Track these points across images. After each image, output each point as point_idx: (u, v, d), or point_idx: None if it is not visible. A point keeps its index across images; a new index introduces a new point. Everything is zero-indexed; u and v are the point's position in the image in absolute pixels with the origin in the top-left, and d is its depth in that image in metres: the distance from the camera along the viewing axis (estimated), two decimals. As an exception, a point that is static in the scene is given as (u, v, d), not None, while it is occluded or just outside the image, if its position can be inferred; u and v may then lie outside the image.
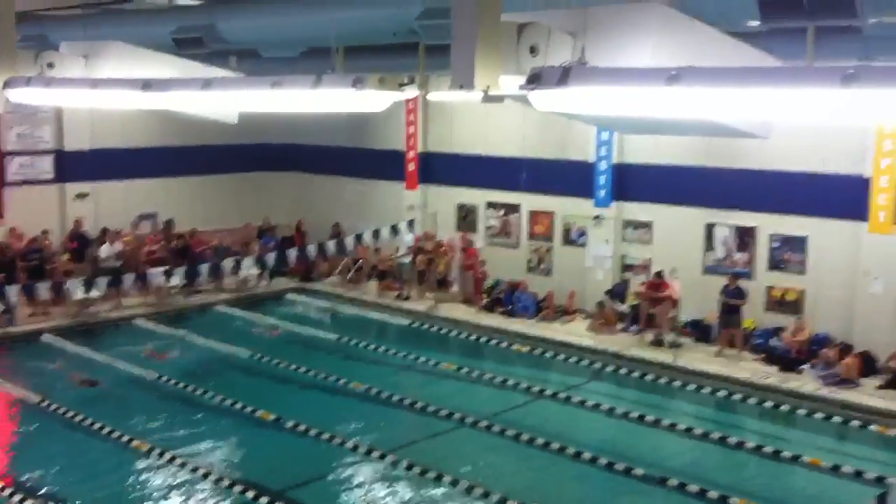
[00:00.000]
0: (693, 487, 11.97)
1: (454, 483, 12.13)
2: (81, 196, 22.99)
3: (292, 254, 21.99)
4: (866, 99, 6.87)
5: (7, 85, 13.90)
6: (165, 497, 11.91)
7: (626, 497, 12.21)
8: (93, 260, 21.08)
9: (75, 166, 22.98)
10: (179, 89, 13.14)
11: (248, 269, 21.75)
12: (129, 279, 19.96)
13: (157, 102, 14.23)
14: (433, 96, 18.50)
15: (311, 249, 21.93)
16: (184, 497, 11.91)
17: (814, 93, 7.15)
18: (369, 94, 10.60)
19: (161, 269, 20.71)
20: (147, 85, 13.38)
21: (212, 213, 24.72)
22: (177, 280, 20.76)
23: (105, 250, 20.82)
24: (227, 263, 20.88)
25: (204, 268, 20.30)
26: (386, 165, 24.35)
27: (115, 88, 14.03)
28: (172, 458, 12.90)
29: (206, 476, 12.40)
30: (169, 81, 13.43)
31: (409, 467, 12.69)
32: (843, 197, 16.75)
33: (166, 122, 23.15)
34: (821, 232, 17.17)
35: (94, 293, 19.65)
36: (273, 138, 26.11)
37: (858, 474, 12.34)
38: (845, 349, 16.35)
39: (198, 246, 22.98)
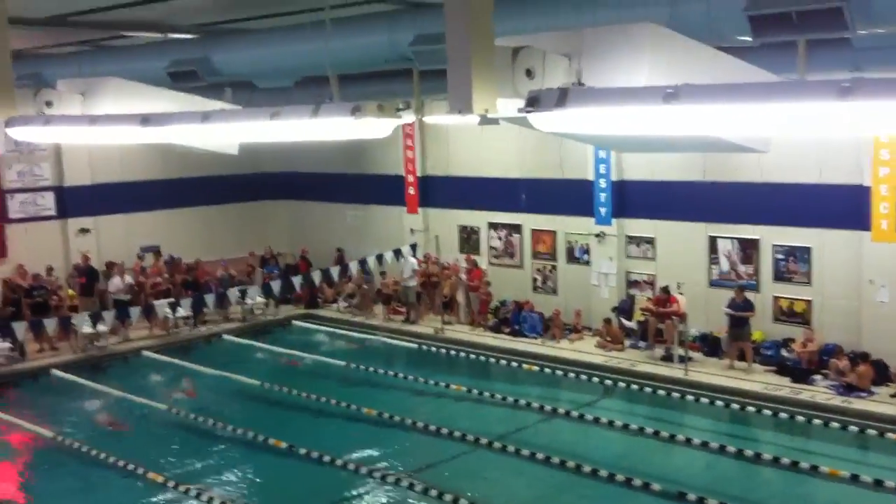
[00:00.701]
0: (712, 502, 11.90)
1: (471, 505, 12.11)
2: (84, 231, 23.09)
3: (297, 281, 22.02)
4: (863, 111, 6.92)
5: (8, 124, 13.96)
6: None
7: (643, 513, 12.15)
8: (101, 294, 21.10)
9: (76, 202, 23.15)
10: (178, 123, 13.21)
11: (254, 297, 21.79)
12: (135, 312, 19.99)
13: (158, 136, 14.33)
14: (430, 120, 18.59)
15: (316, 276, 21.98)
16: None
17: (811, 107, 7.19)
18: (368, 121, 10.66)
19: (167, 300, 20.73)
20: (146, 119, 13.45)
21: (214, 244, 24.79)
22: (183, 311, 20.79)
23: (115, 284, 20.84)
24: (233, 293, 20.92)
25: (210, 298, 20.32)
26: (386, 190, 24.43)
27: (114, 124, 14.13)
28: (187, 490, 12.89)
29: (220, 508, 12.38)
30: (167, 115, 13.49)
31: (425, 491, 12.65)
32: (845, 207, 16.76)
33: (165, 154, 23.33)
34: (824, 242, 17.18)
35: (102, 327, 19.68)
36: (272, 167, 26.26)
37: (878, 483, 12.28)
38: (856, 358, 16.29)
39: (202, 276, 23.03)
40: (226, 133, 14.45)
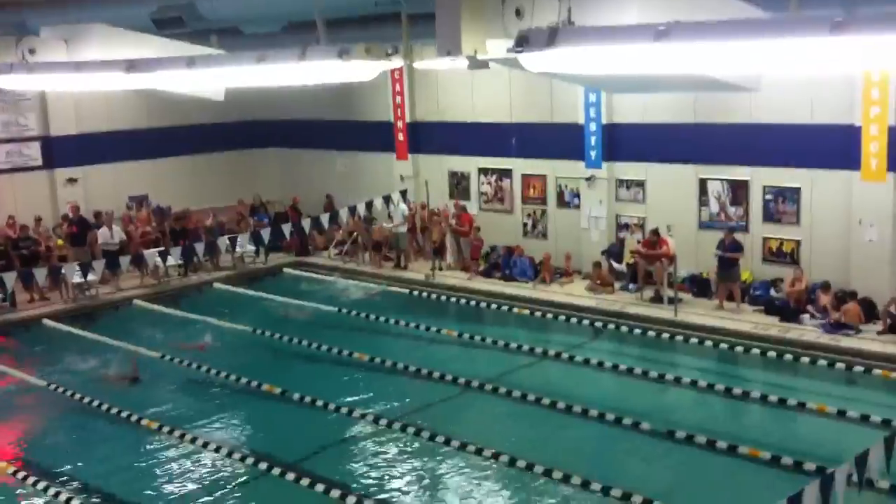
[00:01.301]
0: (701, 439, 12.10)
1: (463, 446, 12.26)
2: (72, 181, 22.96)
3: (287, 229, 21.98)
4: (855, 46, 6.91)
5: (-10, 72, 13.83)
6: (178, 473, 12.02)
7: (635, 452, 12.32)
8: (93, 244, 21.04)
9: (63, 152, 22.96)
10: (164, 69, 13.09)
11: (244, 246, 21.77)
12: (125, 261, 19.97)
13: (143, 83, 14.19)
14: (419, 65, 18.40)
15: (306, 224, 21.95)
16: (196, 472, 12.02)
17: (803, 42, 7.16)
18: (356, 63, 10.59)
19: (157, 249, 20.70)
20: (131, 66, 13.33)
21: (203, 193, 24.71)
22: (173, 260, 20.77)
23: (104, 234, 20.75)
24: (223, 241, 20.92)
25: (200, 247, 20.30)
26: (375, 137, 24.30)
27: (99, 71, 13.98)
28: (183, 435, 13.02)
29: (217, 450, 12.51)
30: (153, 61, 13.37)
31: (418, 433, 12.81)
32: (835, 147, 16.76)
33: (152, 102, 23.12)
34: (814, 182, 17.22)
35: (92, 277, 19.65)
36: (260, 115, 26.08)
37: (864, 418, 12.49)
38: (842, 295, 16.48)
39: (192, 225, 22.98)
40: (212, 78, 14.36)
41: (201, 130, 25.01)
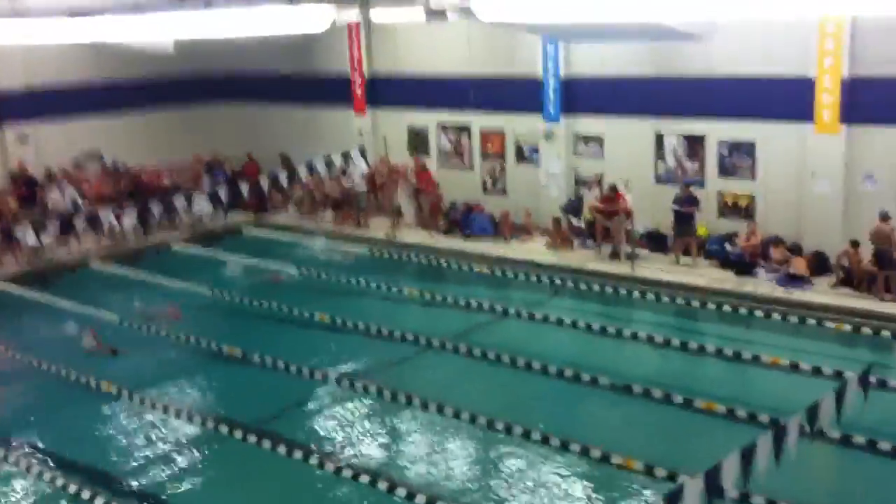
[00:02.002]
0: (657, 393, 12.32)
1: (424, 405, 12.36)
2: (23, 138, 22.42)
3: (245, 187, 21.70)
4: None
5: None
6: (139, 438, 11.99)
7: (593, 407, 12.52)
8: (44, 205, 20.64)
9: (11, 107, 22.33)
10: (109, 14, 12.74)
11: (201, 205, 21.48)
12: (79, 222, 19.63)
13: (90, 33, 13.78)
14: (376, 17, 18.18)
15: (265, 181, 21.72)
16: (157, 437, 12.00)
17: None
18: (306, 11, 10.36)
19: (112, 210, 20.34)
20: (74, 12, 12.96)
21: (157, 149, 24.30)
22: (129, 220, 20.43)
23: (56, 196, 20.33)
24: (179, 201, 20.63)
25: (156, 206, 20.02)
26: (332, 91, 23.99)
27: (41, 16, 13.54)
28: (142, 399, 12.95)
29: (178, 414, 12.48)
30: (97, 7, 13.00)
31: (379, 392, 12.88)
32: (789, 99, 16.88)
33: (103, 56, 22.60)
34: (768, 136, 17.36)
35: (46, 239, 19.30)
36: (215, 69, 25.61)
37: (817, 370, 12.78)
38: (794, 249, 16.77)
39: (147, 184, 22.62)
40: (160, 27, 13.97)
41: (154, 85, 24.53)
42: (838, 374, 12.18)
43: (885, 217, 15.36)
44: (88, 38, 17.68)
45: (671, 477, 10.01)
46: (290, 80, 25.03)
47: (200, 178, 23.62)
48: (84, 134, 23.39)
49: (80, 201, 20.72)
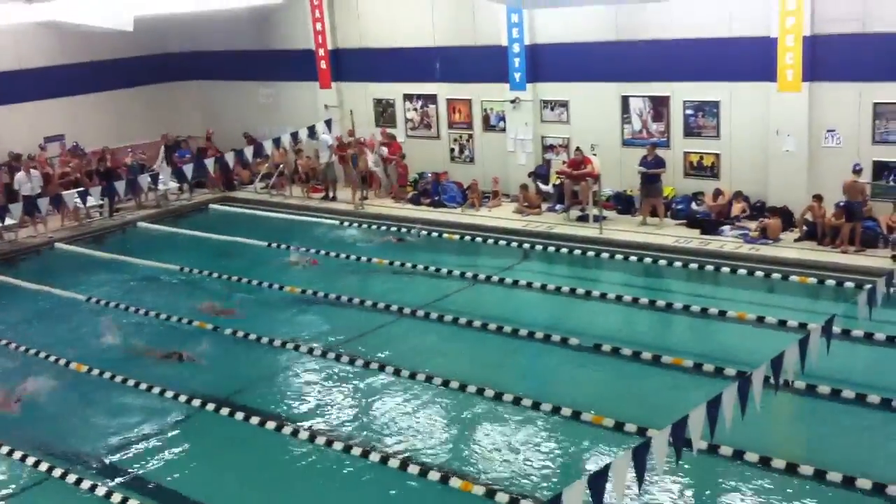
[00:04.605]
0: (627, 351, 12.46)
1: (397, 372, 12.41)
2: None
3: (211, 164, 21.54)
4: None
5: None
6: (112, 415, 11.90)
7: (564, 367, 12.62)
8: (8, 188, 20.38)
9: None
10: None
11: (166, 183, 21.33)
12: (44, 203, 19.42)
13: (47, 13, 13.58)
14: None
15: (230, 158, 21.57)
16: (131, 413, 11.93)
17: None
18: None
19: (76, 190, 20.15)
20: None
21: (122, 130, 24.07)
22: (93, 200, 20.26)
23: (21, 180, 20.03)
24: (144, 179, 20.48)
25: (121, 186, 19.87)
26: (297, 66, 23.81)
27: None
28: (113, 377, 12.89)
29: (150, 389, 12.44)
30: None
31: (352, 361, 12.91)
32: (752, 59, 17.00)
33: (65, 39, 22.31)
34: (732, 96, 17.48)
35: (10, 220, 19.07)
36: (177, 47, 25.35)
37: (782, 323, 12.97)
38: (760, 206, 16.97)
39: (111, 164, 22.38)
40: (118, 4, 13.77)
41: (117, 65, 24.26)
42: (803, 326, 12.36)
43: (857, 170, 15.54)
44: (46, 18, 17.45)
45: (641, 432, 10.14)
46: (253, 56, 24.77)
47: (167, 156, 23.40)
48: (47, 117, 23.07)
49: (42, 184, 20.44)
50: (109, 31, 20.94)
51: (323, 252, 18.11)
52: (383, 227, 19.59)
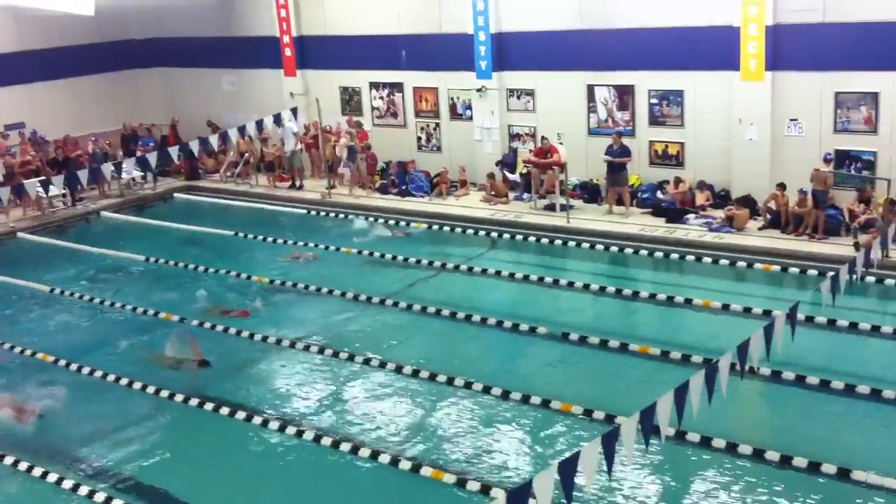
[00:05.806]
0: (594, 339, 12.57)
1: (367, 361, 12.41)
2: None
3: (175, 152, 21.31)
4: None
5: None
6: (81, 411, 11.75)
7: (532, 356, 12.69)
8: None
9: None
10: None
11: (130, 171, 21.07)
12: (5, 193, 19.10)
13: None
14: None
15: (194, 146, 21.36)
16: (99, 409, 11.80)
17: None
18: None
19: (38, 179, 19.86)
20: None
21: (84, 118, 23.70)
22: (55, 190, 19.98)
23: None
24: (107, 168, 20.23)
25: (83, 175, 19.62)
26: (261, 53, 23.60)
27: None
28: (80, 368, 12.75)
29: (117, 380, 12.32)
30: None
31: (321, 350, 12.89)
32: (716, 48, 17.15)
33: (23, 24, 21.86)
34: (696, 85, 17.64)
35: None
36: (140, 33, 24.99)
37: (747, 310, 13.15)
38: (724, 194, 17.17)
39: (73, 153, 22.06)
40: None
41: (77, 52, 23.84)
42: (767, 313, 12.54)
43: (828, 160, 15.77)
44: (4, 3, 17.11)
45: (609, 419, 10.25)
46: (217, 43, 24.51)
47: (129, 145, 23.10)
48: (5, 104, 22.65)
49: (3, 172, 20.13)
50: (69, 15, 20.63)
51: (291, 241, 18.01)
52: (351, 217, 19.54)
